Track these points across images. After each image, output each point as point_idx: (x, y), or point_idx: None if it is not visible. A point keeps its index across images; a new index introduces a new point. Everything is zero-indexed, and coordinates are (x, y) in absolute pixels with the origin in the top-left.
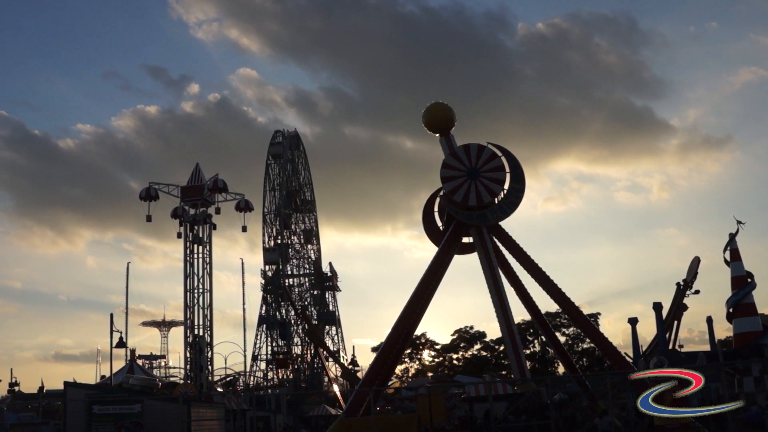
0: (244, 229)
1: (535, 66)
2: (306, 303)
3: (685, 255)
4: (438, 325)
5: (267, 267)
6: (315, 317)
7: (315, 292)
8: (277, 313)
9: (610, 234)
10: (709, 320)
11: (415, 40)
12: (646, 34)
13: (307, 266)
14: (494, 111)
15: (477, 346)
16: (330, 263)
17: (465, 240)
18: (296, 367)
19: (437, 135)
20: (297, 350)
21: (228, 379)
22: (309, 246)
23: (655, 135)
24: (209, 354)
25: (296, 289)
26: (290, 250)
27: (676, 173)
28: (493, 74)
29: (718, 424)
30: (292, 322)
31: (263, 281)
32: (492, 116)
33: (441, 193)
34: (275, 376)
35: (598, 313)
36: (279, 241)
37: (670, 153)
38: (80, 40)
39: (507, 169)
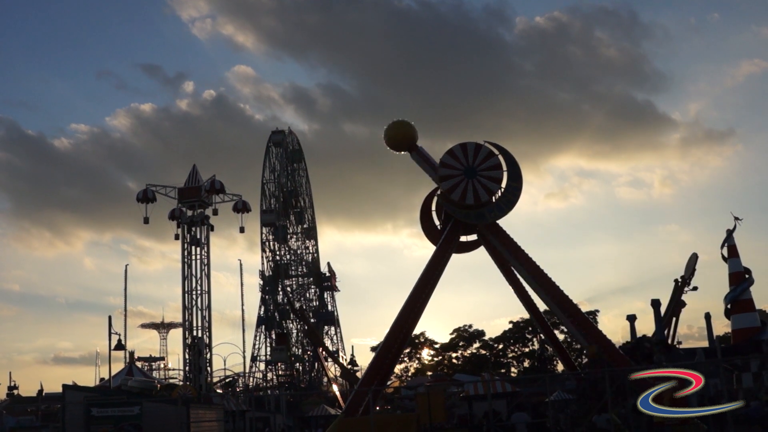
0: (242, 230)
1: (534, 60)
2: (303, 305)
3: (686, 251)
4: (437, 323)
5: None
6: (312, 317)
7: (314, 292)
8: (276, 314)
9: (611, 230)
10: (708, 316)
11: (413, 35)
12: (647, 26)
13: (304, 266)
14: (494, 107)
15: (476, 345)
16: (328, 263)
17: (463, 239)
18: (295, 365)
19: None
20: (295, 351)
21: (227, 380)
22: (308, 242)
23: (656, 129)
24: (208, 355)
25: (293, 286)
26: (288, 245)
27: (677, 168)
28: (493, 69)
29: (717, 420)
30: (291, 324)
31: (261, 282)
32: (491, 112)
33: (438, 192)
34: (275, 377)
35: (597, 311)
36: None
37: (672, 147)
38: (74, 39)
39: (504, 167)
